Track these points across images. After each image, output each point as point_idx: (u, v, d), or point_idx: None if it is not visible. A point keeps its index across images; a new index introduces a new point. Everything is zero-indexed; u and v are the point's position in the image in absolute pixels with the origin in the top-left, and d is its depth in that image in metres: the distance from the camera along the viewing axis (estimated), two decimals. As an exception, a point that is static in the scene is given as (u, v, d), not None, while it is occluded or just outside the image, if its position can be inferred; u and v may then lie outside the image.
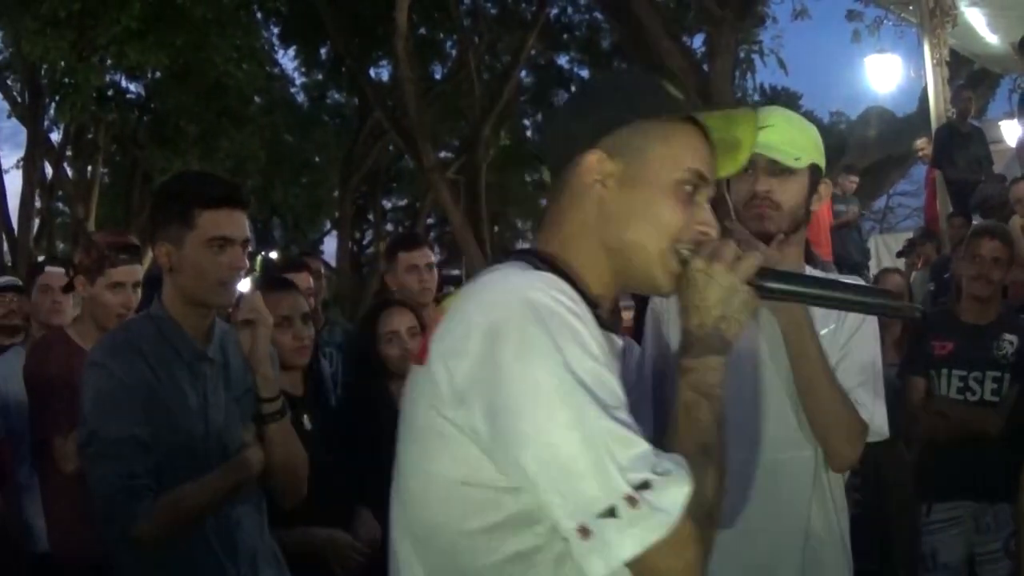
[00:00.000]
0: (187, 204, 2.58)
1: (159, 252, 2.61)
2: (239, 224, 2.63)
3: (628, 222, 1.55)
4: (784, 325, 2.31)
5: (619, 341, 1.60)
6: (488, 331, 1.39)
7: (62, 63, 13.98)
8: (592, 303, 1.51)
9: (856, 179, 12.49)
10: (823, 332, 2.40)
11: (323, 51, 21.74)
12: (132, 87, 17.74)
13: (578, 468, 1.32)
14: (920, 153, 11.50)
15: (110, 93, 16.31)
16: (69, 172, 18.64)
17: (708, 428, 1.46)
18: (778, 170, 2.36)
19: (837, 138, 23.10)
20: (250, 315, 2.73)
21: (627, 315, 4.75)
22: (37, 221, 18.31)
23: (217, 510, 2.58)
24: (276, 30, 20.91)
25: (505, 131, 19.46)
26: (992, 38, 12.70)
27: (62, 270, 4.37)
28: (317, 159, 25.05)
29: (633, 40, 13.68)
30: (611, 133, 1.56)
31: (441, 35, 21.28)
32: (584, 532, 1.32)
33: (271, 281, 3.80)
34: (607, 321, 1.56)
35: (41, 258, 14.44)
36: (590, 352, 1.39)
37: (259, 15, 18.74)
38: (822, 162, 2.44)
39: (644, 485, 1.31)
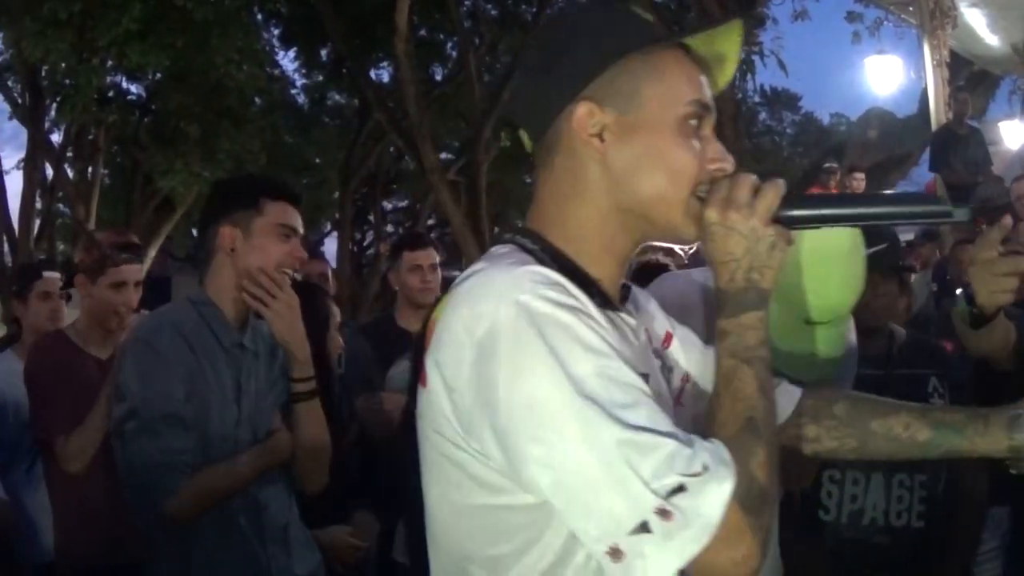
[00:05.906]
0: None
1: (223, 234, 2.63)
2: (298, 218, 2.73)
3: (639, 175, 1.37)
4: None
5: (631, 319, 1.44)
6: (479, 349, 1.23)
7: (63, 64, 13.92)
8: (591, 282, 1.37)
9: (862, 177, 12.51)
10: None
11: (323, 52, 21.65)
12: (133, 88, 17.80)
13: (598, 487, 1.17)
14: None
15: (111, 94, 16.31)
16: (70, 173, 18.54)
17: (751, 398, 1.28)
18: None
19: (837, 139, 23.09)
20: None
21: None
22: (38, 222, 18.24)
23: (244, 492, 2.60)
24: (277, 31, 20.89)
25: (505, 132, 19.38)
26: (992, 39, 12.70)
27: (59, 275, 4.31)
28: (318, 160, 24.99)
29: (634, 41, 13.70)
30: (593, 80, 1.38)
31: (441, 36, 21.15)
32: (616, 554, 1.17)
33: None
34: (612, 298, 1.41)
35: (41, 258, 14.40)
36: (592, 347, 1.22)
37: (260, 17, 18.73)
38: None
39: (677, 490, 1.15)
